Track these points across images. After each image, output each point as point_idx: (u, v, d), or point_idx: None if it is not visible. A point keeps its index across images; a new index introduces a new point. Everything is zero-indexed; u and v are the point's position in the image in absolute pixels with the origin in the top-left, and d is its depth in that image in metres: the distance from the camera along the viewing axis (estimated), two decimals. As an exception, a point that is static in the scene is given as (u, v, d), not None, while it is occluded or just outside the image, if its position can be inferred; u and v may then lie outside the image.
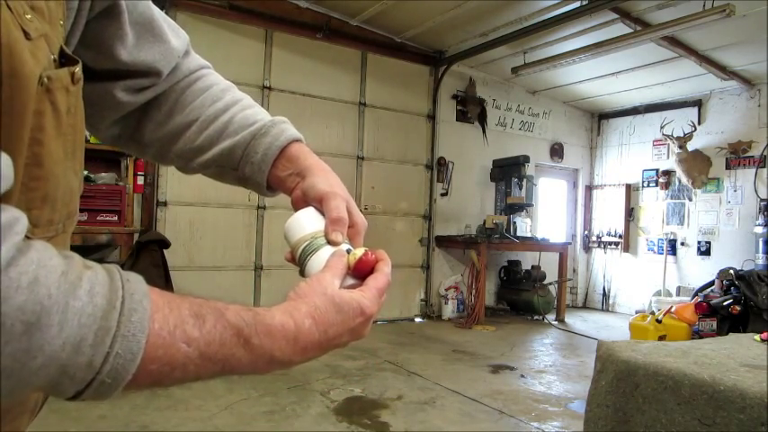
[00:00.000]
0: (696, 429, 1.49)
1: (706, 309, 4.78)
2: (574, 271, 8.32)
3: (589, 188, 8.57)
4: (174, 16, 4.94)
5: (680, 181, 7.24)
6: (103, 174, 4.45)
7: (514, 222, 6.74)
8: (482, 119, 7.24)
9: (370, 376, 4.03)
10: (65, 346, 0.34)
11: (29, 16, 0.40)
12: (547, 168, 8.17)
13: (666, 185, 7.51)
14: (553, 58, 6.13)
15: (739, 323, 4.70)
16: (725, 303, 4.74)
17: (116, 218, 4.29)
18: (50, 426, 2.67)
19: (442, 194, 6.93)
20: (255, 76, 5.57)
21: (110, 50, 0.60)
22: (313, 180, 0.64)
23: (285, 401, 3.36)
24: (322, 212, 0.61)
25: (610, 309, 8.09)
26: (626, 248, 7.96)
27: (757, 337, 2.08)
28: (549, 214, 8.29)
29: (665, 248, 7.38)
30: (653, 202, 7.70)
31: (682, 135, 6.86)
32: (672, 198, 7.48)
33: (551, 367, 4.61)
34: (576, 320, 7.04)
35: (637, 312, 6.18)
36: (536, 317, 6.87)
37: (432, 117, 6.84)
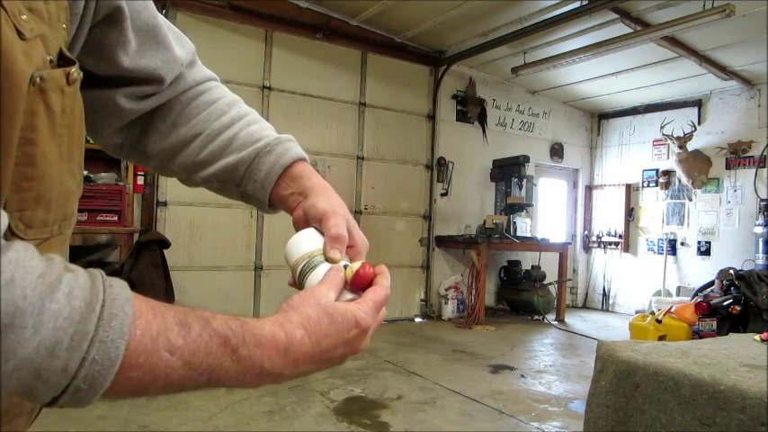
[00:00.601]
0: (696, 429, 1.49)
1: (706, 309, 4.78)
2: (574, 271, 8.32)
3: (589, 188, 8.57)
4: (174, 16, 4.94)
5: (680, 181, 7.24)
6: (103, 174, 4.45)
7: (514, 222, 6.74)
8: (482, 119, 7.24)
9: (370, 376, 4.03)
10: (39, 349, 0.34)
11: (24, 17, 0.40)
12: (547, 168, 8.17)
13: (666, 185, 7.51)
14: (553, 58, 6.13)
15: (739, 323, 4.70)
16: (725, 303, 4.74)
17: (116, 218, 4.29)
18: (50, 426, 2.66)
19: (442, 194, 6.94)
20: (255, 76, 5.58)
21: (111, 56, 0.60)
22: (314, 200, 0.63)
23: (285, 401, 3.36)
24: (322, 233, 0.61)
25: (610, 309, 8.09)
26: (626, 248, 7.96)
27: (757, 337, 2.08)
28: (548, 214, 8.29)
29: (665, 248, 7.38)
30: (653, 202, 7.70)
31: (682, 135, 6.85)
32: (672, 198, 7.48)
33: (551, 367, 4.61)
34: (575, 320, 7.04)
35: (637, 312, 6.18)
36: (536, 317, 6.87)
37: (432, 117, 6.84)
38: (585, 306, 8.43)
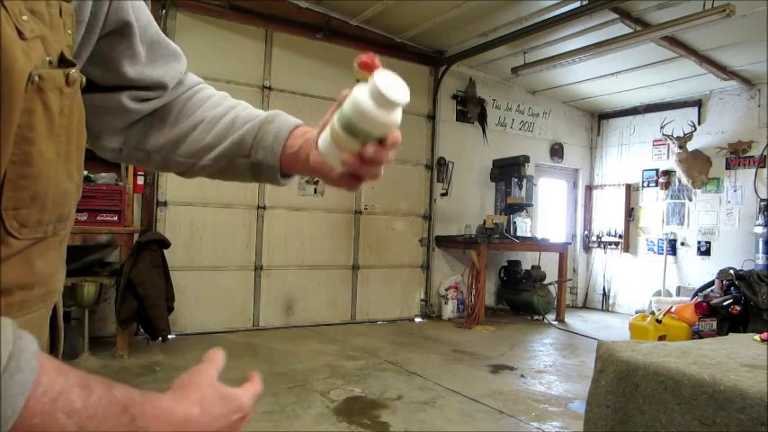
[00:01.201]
0: (696, 429, 1.49)
1: (706, 309, 4.79)
2: (574, 271, 8.32)
3: (589, 188, 8.57)
4: (175, 16, 4.93)
5: (680, 181, 7.24)
6: (103, 174, 4.44)
7: (514, 222, 6.74)
8: (482, 119, 7.24)
9: (370, 376, 4.03)
10: None
11: (25, 17, 0.41)
12: (547, 168, 8.17)
13: (666, 185, 7.51)
14: (553, 58, 6.13)
15: (739, 323, 4.70)
16: (725, 303, 4.75)
17: (116, 218, 4.29)
18: (50, 426, 2.66)
19: (442, 194, 6.93)
20: (255, 76, 5.58)
21: (117, 67, 0.65)
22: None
23: (285, 401, 3.36)
24: None
25: (610, 309, 8.09)
26: (626, 248, 7.96)
27: (757, 337, 2.08)
28: (548, 214, 8.29)
29: (665, 248, 7.38)
30: (653, 202, 7.69)
31: (682, 135, 6.85)
32: (672, 198, 7.48)
33: (551, 367, 4.61)
34: (575, 320, 7.04)
35: (637, 312, 6.18)
36: (536, 317, 6.87)
37: (432, 117, 6.83)
38: (585, 306, 8.43)
